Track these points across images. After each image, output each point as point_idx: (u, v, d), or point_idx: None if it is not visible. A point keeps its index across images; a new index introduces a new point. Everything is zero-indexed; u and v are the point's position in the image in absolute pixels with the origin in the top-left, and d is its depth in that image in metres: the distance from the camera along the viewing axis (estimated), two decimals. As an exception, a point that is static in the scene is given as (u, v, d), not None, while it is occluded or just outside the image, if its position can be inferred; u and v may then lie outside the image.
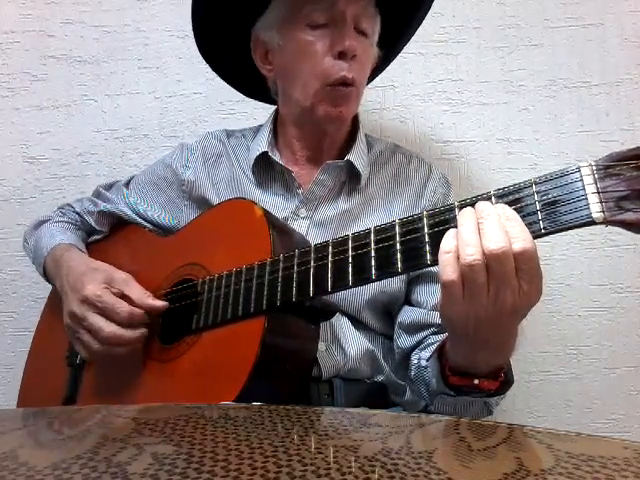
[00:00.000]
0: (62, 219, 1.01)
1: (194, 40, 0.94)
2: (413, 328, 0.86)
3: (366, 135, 0.99)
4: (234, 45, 0.93)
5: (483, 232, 0.53)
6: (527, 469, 0.32)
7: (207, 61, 0.98)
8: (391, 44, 0.97)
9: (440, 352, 0.70)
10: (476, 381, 0.65)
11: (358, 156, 0.91)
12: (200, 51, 0.96)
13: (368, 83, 1.02)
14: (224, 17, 0.89)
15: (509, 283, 0.53)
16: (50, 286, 1.00)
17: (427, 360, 0.79)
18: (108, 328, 0.77)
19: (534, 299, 0.56)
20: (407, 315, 0.88)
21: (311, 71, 0.83)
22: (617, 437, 0.39)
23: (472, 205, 0.56)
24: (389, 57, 1.01)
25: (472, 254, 0.53)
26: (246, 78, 0.98)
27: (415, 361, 0.83)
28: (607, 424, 1.15)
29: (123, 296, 0.80)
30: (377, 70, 1.00)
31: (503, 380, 0.67)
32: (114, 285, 0.81)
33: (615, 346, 1.15)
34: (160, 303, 0.80)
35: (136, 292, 0.80)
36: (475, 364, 0.64)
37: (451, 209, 0.58)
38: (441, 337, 0.80)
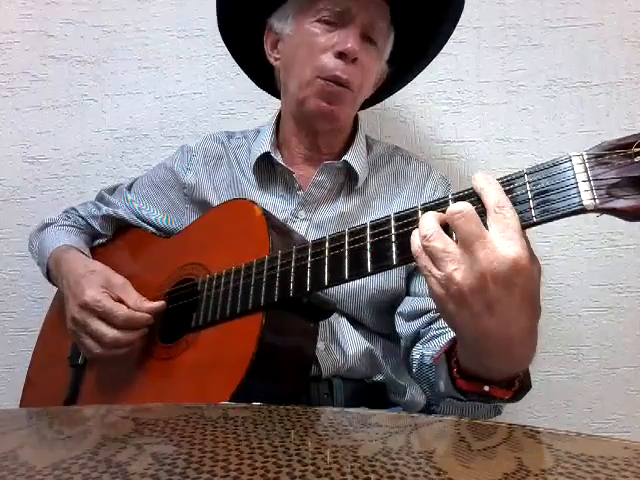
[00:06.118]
0: (67, 222, 1.02)
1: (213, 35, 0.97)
2: (412, 315, 0.85)
3: (367, 137, 0.99)
4: (254, 35, 0.94)
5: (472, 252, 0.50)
6: (527, 469, 0.32)
7: (228, 47, 0.99)
8: (405, 65, 0.96)
9: (449, 354, 0.64)
10: (486, 388, 0.59)
11: (356, 157, 0.91)
12: (223, 39, 0.97)
13: (376, 103, 1.03)
14: (246, 7, 0.91)
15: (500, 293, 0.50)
16: (51, 287, 1.00)
17: (431, 358, 0.77)
18: (110, 334, 0.77)
19: (530, 317, 0.52)
20: (407, 304, 0.87)
21: (308, 61, 0.83)
22: (617, 437, 0.39)
23: (465, 198, 0.54)
24: (403, 78, 1.01)
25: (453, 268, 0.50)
26: (264, 69, 0.98)
27: (417, 356, 0.81)
28: (607, 424, 1.15)
29: (120, 301, 0.80)
30: (388, 90, 1.00)
31: (517, 389, 0.60)
32: (111, 290, 0.81)
33: (615, 346, 1.15)
34: (157, 304, 0.80)
35: (132, 298, 0.80)
36: (486, 369, 0.59)
37: (445, 202, 0.56)
38: (439, 325, 0.80)
